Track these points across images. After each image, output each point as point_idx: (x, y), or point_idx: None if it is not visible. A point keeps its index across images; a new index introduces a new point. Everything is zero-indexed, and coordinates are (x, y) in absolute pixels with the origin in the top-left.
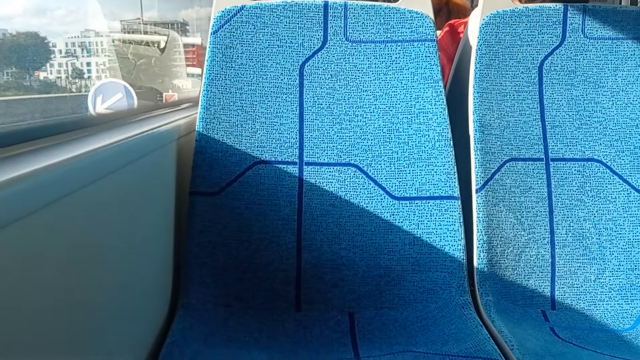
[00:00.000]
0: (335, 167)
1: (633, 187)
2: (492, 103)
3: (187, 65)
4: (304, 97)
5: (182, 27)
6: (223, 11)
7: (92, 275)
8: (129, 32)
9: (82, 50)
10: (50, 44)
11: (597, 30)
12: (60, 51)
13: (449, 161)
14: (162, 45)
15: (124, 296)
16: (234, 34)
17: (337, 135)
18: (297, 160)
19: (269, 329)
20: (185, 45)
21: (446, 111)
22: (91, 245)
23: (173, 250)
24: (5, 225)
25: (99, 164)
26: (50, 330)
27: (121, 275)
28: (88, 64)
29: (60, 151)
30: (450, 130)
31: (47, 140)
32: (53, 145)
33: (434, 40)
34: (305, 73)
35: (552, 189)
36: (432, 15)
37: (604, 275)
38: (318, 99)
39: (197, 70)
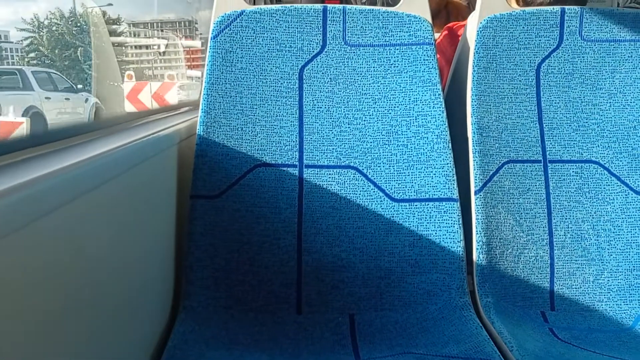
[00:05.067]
0: (335, 170)
1: (631, 189)
2: (490, 105)
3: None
4: (304, 100)
5: (190, 25)
6: (223, 16)
7: (95, 279)
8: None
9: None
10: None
11: (594, 33)
12: None
13: (447, 163)
14: (162, 49)
15: (126, 299)
16: (234, 39)
17: (337, 138)
18: (297, 163)
19: (270, 331)
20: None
21: (445, 113)
22: (94, 249)
23: (174, 253)
24: (9, 234)
25: (101, 170)
26: (53, 333)
27: (123, 279)
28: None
29: (62, 157)
30: (448, 132)
31: (50, 146)
32: (55, 151)
33: (432, 43)
34: (304, 77)
35: (551, 191)
36: (430, 19)
37: (603, 276)
38: (317, 102)
39: (196, 73)
